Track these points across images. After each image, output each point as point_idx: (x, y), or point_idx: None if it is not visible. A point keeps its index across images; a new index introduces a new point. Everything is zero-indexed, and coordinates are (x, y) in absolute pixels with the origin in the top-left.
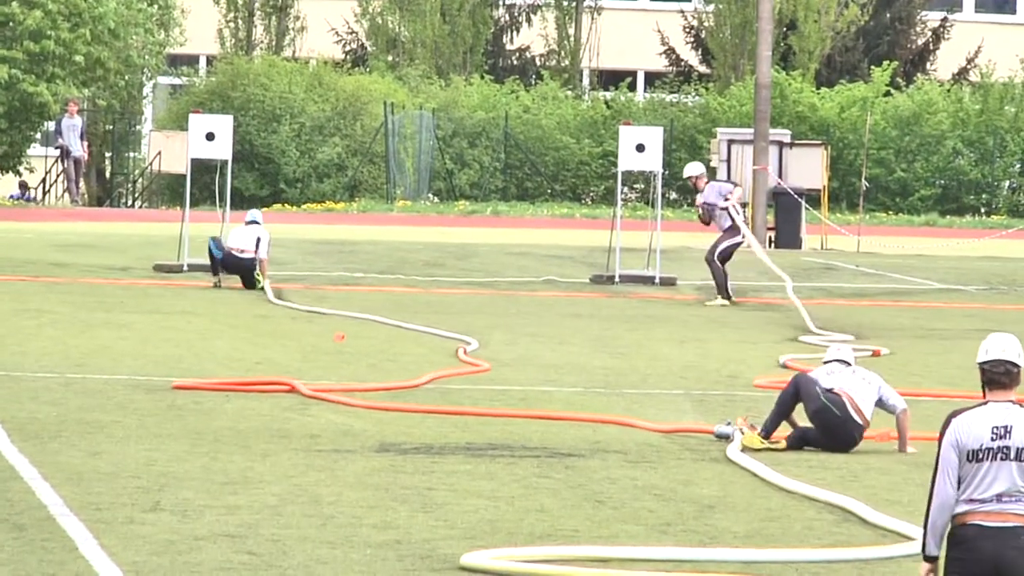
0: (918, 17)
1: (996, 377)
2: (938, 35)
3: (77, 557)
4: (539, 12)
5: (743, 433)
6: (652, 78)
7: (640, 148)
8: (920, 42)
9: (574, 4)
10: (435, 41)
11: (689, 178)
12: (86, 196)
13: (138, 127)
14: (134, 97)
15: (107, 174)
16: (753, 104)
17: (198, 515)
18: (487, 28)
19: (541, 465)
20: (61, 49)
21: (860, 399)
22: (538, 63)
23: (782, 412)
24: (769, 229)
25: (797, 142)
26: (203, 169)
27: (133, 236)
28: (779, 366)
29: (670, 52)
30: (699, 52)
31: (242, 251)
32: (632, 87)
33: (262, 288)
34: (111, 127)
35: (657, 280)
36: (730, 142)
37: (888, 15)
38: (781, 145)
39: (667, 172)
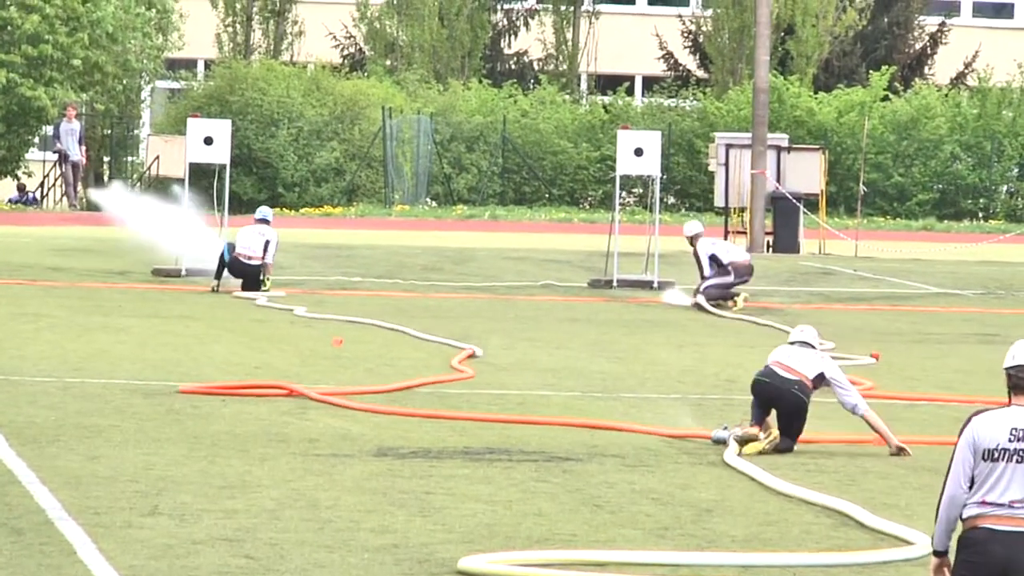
0: (916, 22)
1: (1021, 382)
2: (936, 40)
3: (75, 561)
4: (537, 16)
5: (737, 442)
6: (650, 82)
7: (638, 152)
8: (918, 47)
9: (572, 8)
10: (433, 45)
11: (687, 237)
12: (84, 200)
13: (136, 131)
14: (132, 101)
15: (105, 178)
16: (751, 108)
17: (196, 519)
18: (485, 32)
19: (539, 469)
20: (59, 53)
21: (795, 364)
22: (536, 67)
23: (754, 406)
24: (767, 233)
25: (795, 147)
26: (201, 173)
27: (131, 240)
28: None
29: (668, 56)
30: (697, 57)
31: (250, 257)
32: (630, 91)
33: (267, 291)
34: (109, 131)
35: (655, 284)
36: (728, 146)
37: (886, 20)
38: (779, 149)
39: (665, 176)
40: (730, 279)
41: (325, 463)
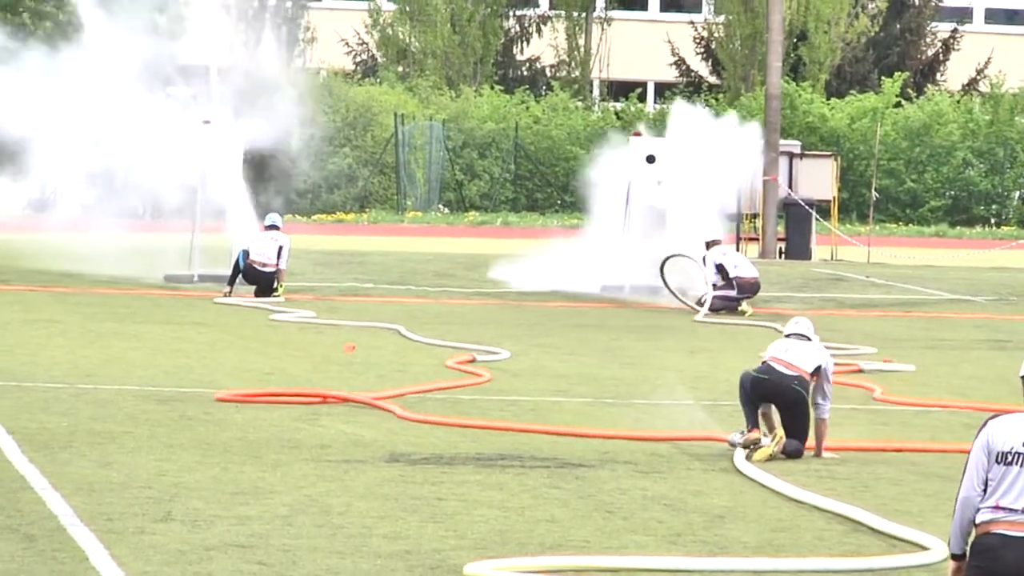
0: (928, 28)
1: None
2: (948, 46)
3: (88, 568)
4: (549, 23)
5: (742, 447)
6: (662, 89)
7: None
8: (930, 53)
9: (584, 15)
10: (445, 52)
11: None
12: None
13: None
14: None
15: None
16: (763, 115)
17: (209, 525)
18: (497, 39)
19: (551, 475)
20: None
21: (793, 359)
22: (548, 74)
23: (744, 406)
24: (779, 240)
25: (807, 153)
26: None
27: (144, 247)
28: None
29: (680, 63)
30: (709, 63)
31: (264, 264)
32: (642, 98)
33: (280, 297)
34: None
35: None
36: None
37: (898, 26)
38: (791, 156)
39: None
40: (733, 293)
41: (337, 469)
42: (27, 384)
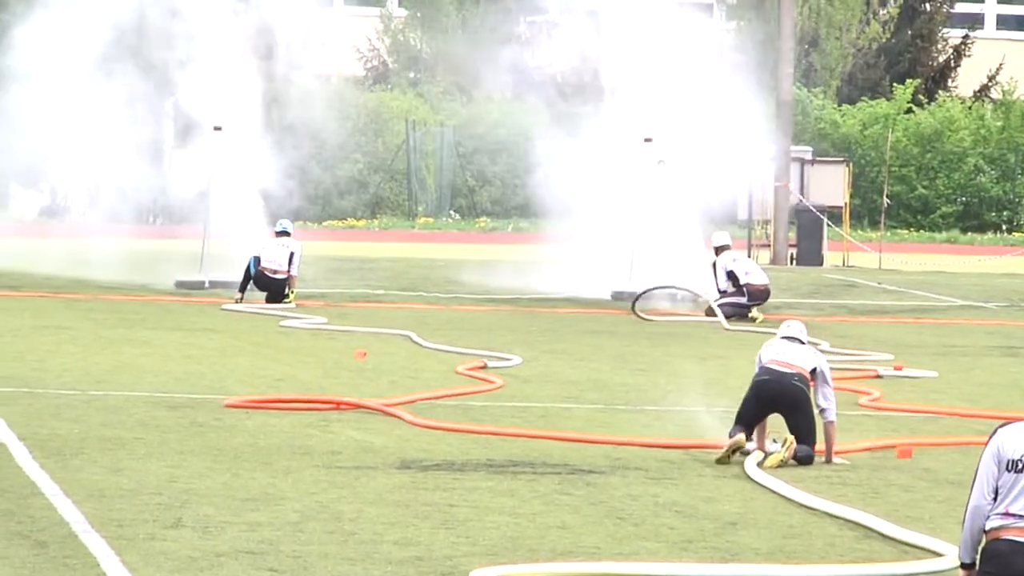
0: (940, 34)
1: None
2: (960, 52)
3: (99, 574)
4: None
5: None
6: None
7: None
8: (942, 59)
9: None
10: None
11: (713, 247)
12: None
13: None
14: None
15: None
16: (775, 121)
17: (220, 532)
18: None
19: (562, 482)
20: None
21: (790, 358)
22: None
23: (746, 414)
24: (791, 246)
25: (819, 159)
26: None
27: (154, 253)
28: None
29: None
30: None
31: (275, 271)
32: None
33: (291, 303)
34: None
35: (678, 297)
36: None
37: (910, 32)
38: (803, 162)
39: None
40: (743, 300)
41: (348, 475)
42: (38, 390)
